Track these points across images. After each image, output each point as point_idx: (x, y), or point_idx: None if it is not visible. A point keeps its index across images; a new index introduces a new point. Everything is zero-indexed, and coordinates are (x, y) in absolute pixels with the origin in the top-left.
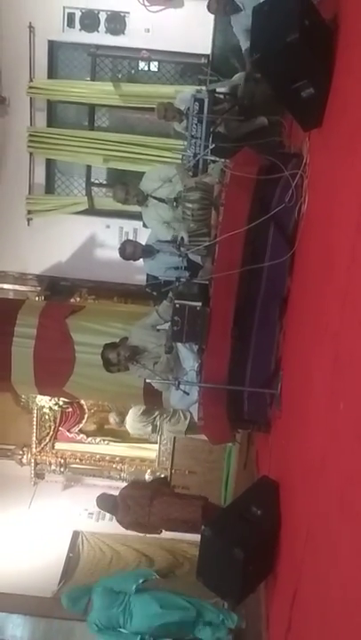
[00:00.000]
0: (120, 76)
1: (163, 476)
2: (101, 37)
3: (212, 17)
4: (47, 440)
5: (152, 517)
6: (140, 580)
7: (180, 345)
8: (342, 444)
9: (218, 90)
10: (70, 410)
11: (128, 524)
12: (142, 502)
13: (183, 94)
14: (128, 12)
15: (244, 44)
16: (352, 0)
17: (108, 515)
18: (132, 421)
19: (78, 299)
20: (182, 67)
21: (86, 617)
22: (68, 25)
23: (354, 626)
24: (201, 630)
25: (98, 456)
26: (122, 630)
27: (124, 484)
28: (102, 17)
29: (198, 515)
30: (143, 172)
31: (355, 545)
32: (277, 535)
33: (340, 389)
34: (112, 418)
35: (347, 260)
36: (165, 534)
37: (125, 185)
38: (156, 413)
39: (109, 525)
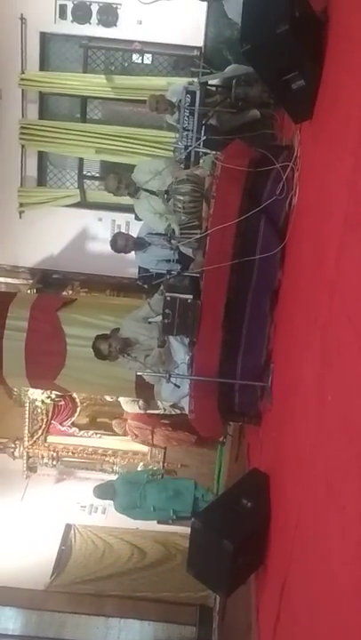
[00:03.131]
0: (113, 69)
1: None
2: (93, 29)
3: (204, 9)
4: (39, 433)
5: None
6: (148, 474)
7: (171, 338)
8: (330, 436)
9: (210, 82)
10: (63, 403)
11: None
12: (146, 433)
13: (175, 86)
14: (120, 4)
15: None
16: None
17: (100, 508)
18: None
19: (70, 292)
20: (175, 59)
21: (114, 502)
22: (59, 16)
23: (341, 616)
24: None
25: (90, 449)
26: (140, 508)
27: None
28: (94, 8)
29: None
30: (135, 165)
31: (342, 535)
32: (268, 527)
33: (328, 381)
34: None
35: (335, 252)
36: (158, 527)
37: (118, 175)
38: None
39: (102, 518)
